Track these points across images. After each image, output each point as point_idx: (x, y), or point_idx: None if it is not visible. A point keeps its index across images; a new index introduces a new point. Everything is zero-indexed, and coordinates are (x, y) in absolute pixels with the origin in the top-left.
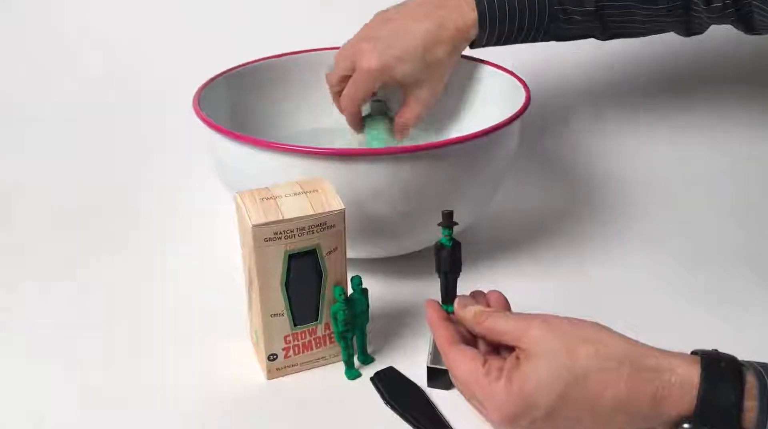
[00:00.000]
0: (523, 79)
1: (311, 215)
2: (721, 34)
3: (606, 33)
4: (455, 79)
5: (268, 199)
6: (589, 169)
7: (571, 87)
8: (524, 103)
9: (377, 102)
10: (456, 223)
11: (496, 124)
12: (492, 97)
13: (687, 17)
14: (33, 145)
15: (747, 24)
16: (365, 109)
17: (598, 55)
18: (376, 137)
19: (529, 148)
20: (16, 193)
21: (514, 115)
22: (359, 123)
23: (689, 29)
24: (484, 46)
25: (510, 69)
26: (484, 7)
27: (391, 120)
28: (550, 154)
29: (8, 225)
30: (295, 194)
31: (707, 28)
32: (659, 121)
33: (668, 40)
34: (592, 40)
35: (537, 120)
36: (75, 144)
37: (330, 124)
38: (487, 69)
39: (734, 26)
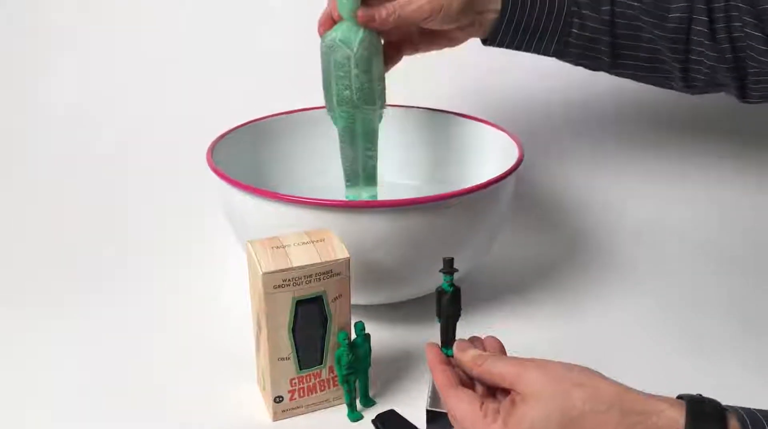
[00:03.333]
0: (517, 136)
1: (318, 263)
2: (713, 101)
3: (612, 53)
4: (454, 137)
5: (277, 247)
6: (580, 220)
7: (562, 143)
8: (518, 159)
9: None
10: (456, 270)
11: (492, 179)
12: (488, 154)
13: (687, 50)
14: (44, 193)
15: (741, 74)
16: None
17: (589, 112)
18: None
19: (524, 200)
20: (27, 236)
21: (509, 170)
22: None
23: (687, 71)
24: (498, 43)
25: (505, 128)
26: None
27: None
28: (544, 206)
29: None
30: (303, 243)
31: (704, 78)
32: (648, 175)
33: (662, 98)
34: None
35: (531, 174)
36: (89, 193)
37: (337, 176)
38: (484, 128)
39: (729, 88)
